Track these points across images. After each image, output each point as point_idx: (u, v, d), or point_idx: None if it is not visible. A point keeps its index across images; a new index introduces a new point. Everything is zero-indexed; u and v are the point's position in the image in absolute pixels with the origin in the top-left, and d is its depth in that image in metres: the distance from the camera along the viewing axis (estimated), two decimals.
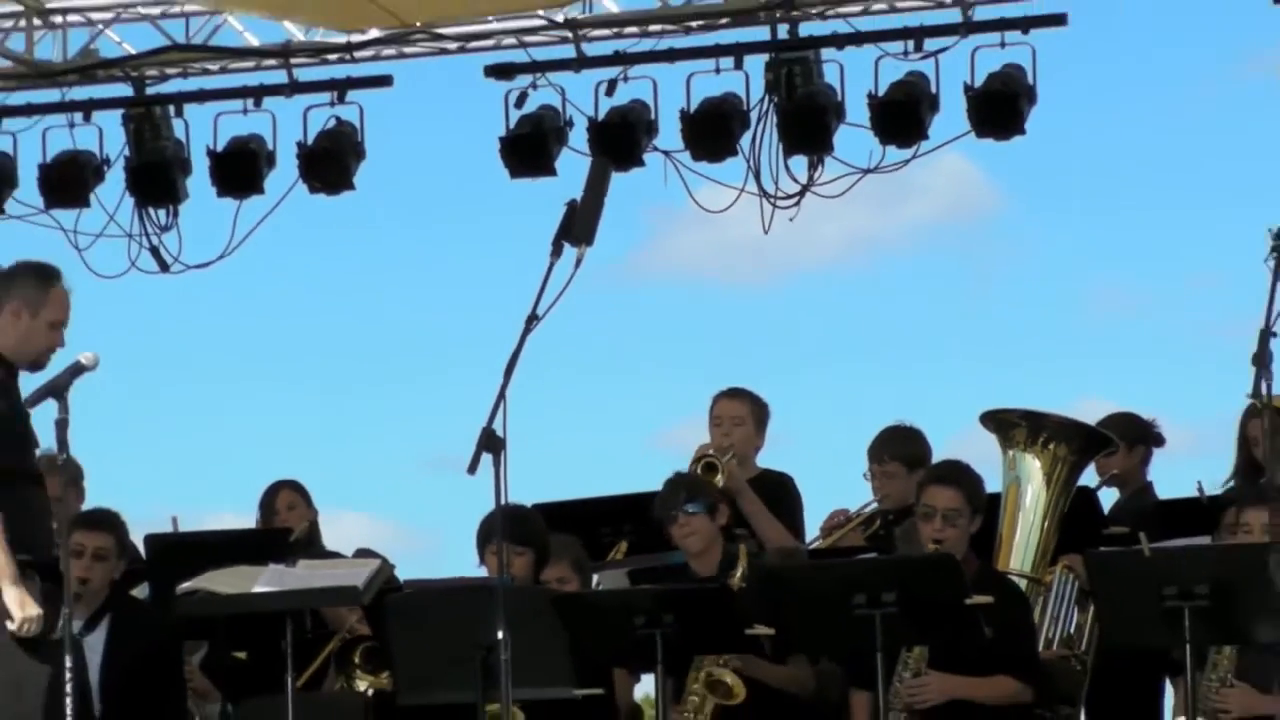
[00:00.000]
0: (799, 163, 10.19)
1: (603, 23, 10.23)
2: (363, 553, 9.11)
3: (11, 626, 7.88)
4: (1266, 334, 7.17)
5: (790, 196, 10.12)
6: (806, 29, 10.14)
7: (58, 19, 10.97)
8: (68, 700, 7.50)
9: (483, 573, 8.59)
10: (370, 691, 9.05)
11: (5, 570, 7.93)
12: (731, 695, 8.35)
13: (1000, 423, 8.99)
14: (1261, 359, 7.12)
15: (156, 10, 10.79)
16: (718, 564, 8.56)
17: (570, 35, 10.36)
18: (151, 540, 9.20)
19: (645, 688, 9.42)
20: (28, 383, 7.89)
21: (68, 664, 7.48)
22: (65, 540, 7.98)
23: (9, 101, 11.00)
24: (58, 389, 7.34)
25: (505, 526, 7.42)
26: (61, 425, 7.33)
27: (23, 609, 7.83)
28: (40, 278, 8.09)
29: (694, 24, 10.23)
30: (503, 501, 7.03)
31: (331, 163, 10.47)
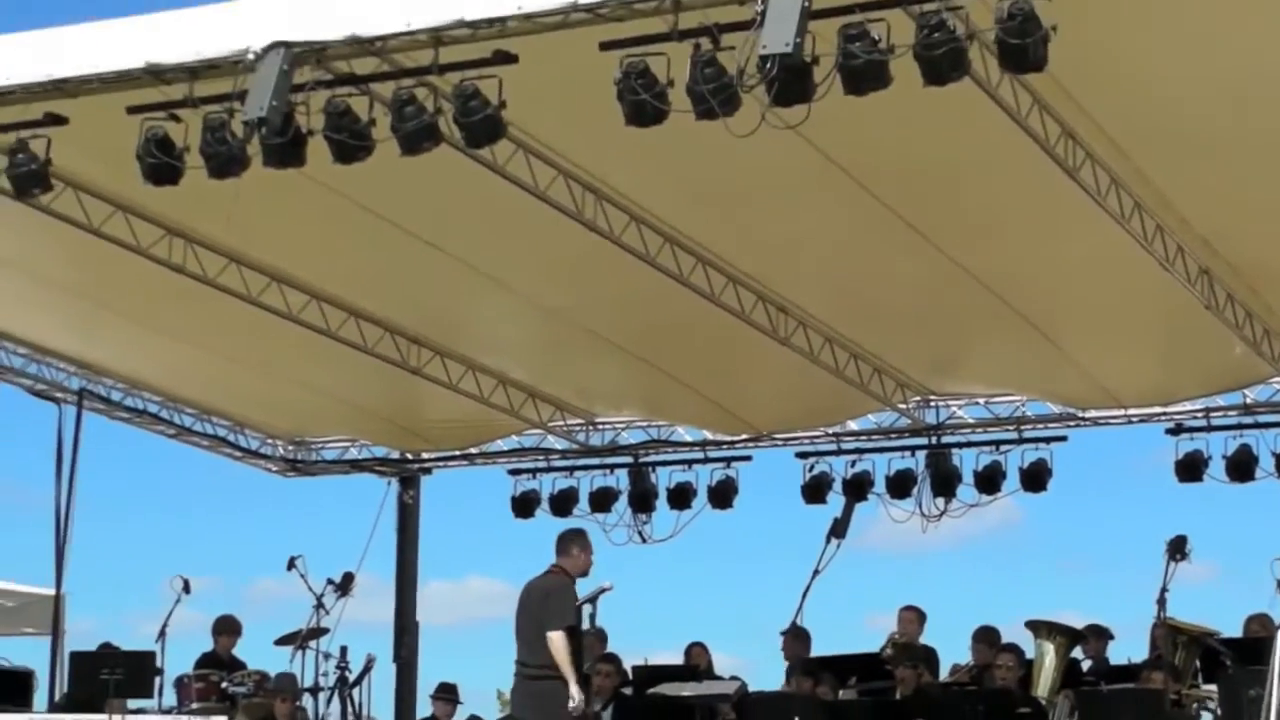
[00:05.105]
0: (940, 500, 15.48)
1: (849, 433, 15.64)
2: (734, 678, 13.17)
3: (572, 705, 10.81)
4: (1164, 591, 11.82)
5: (937, 515, 15.52)
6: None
7: (602, 424, 16.60)
8: None
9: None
10: None
11: (572, 675, 10.93)
12: None
13: (1035, 625, 12.66)
14: (1162, 602, 11.87)
15: (645, 422, 16.27)
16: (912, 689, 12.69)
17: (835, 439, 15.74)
18: (634, 668, 13.62)
19: None
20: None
21: None
22: (593, 664, 12.32)
23: (579, 463, 16.69)
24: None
25: (805, 665, 12.80)
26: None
27: (580, 700, 10.88)
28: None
29: (894, 436, 15.43)
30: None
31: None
